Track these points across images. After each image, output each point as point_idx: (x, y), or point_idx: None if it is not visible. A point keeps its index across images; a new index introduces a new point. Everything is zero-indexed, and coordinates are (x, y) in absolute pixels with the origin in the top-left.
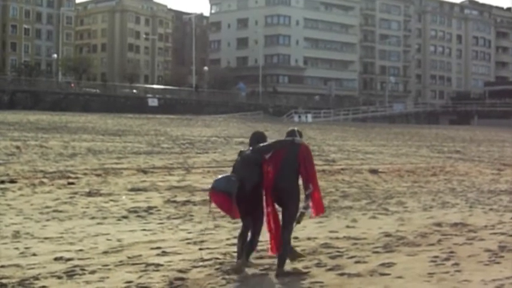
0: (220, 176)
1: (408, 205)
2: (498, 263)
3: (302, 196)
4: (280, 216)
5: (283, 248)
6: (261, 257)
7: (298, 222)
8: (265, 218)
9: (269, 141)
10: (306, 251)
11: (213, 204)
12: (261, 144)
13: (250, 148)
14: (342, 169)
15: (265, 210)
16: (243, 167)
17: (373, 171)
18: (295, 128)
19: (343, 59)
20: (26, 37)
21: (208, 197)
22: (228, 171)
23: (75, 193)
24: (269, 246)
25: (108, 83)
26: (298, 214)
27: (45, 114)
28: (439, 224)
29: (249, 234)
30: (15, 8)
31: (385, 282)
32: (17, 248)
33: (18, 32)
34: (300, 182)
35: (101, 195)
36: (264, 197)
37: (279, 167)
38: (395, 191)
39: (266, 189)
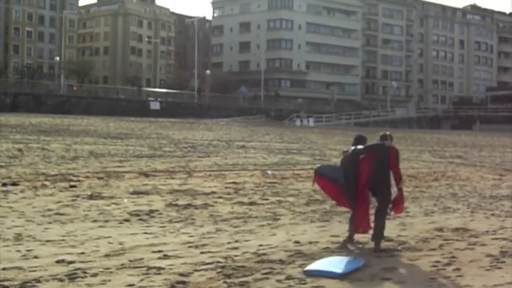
0: (323, 164)
1: (410, 210)
2: (499, 268)
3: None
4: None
5: (379, 230)
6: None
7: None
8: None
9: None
10: (307, 256)
11: (316, 185)
12: (359, 147)
13: (352, 148)
14: None
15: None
16: (347, 163)
17: None
18: (387, 133)
19: (346, 64)
20: (28, 40)
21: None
22: (228, 175)
23: (77, 196)
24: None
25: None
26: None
27: (47, 117)
28: (440, 229)
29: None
30: (18, 10)
31: (386, 286)
32: (18, 251)
33: (21, 34)
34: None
35: (102, 198)
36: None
37: (372, 166)
38: None
39: (361, 185)
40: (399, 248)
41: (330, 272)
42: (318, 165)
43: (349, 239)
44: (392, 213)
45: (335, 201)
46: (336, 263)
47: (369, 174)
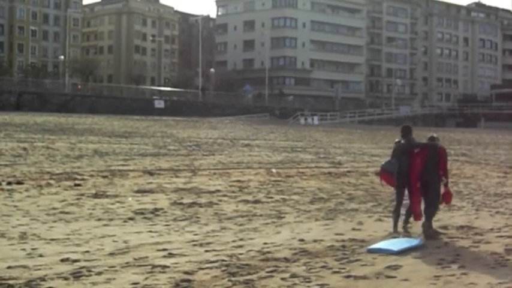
0: (384, 162)
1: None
2: (504, 266)
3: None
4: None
5: (429, 219)
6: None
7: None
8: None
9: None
10: (312, 254)
11: (383, 182)
12: (414, 141)
13: (403, 140)
14: (348, 171)
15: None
16: (401, 152)
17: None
18: (435, 135)
19: (350, 62)
20: (33, 39)
21: (379, 175)
22: (232, 173)
23: (82, 195)
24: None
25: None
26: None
27: (52, 116)
28: (445, 227)
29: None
30: (22, 9)
31: (391, 284)
32: (23, 249)
33: (25, 33)
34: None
35: (107, 196)
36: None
37: (425, 161)
38: None
39: (414, 175)
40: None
41: (388, 249)
42: (382, 163)
43: (394, 224)
44: (443, 203)
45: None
46: (395, 243)
47: (421, 167)
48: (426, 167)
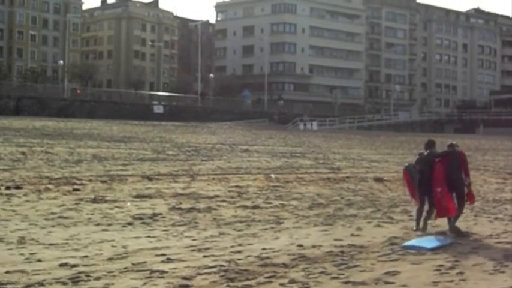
0: (409, 163)
1: (413, 214)
2: (503, 272)
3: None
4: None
5: (456, 218)
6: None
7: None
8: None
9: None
10: (310, 259)
11: (404, 180)
12: (434, 151)
13: (426, 151)
14: (347, 177)
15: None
16: (424, 163)
17: (378, 180)
18: (454, 142)
19: (349, 67)
20: (32, 43)
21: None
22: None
23: (81, 199)
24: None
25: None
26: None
27: (51, 121)
28: (444, 233)
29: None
30: (22, 14)
31: None
32: (22, 254)
33: (25, 38)
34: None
35: (106, 201)
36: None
37: (448, 166)
38: (400, 199)
39: (438, 179)
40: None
41: (421, 247)
42: (407, 164)
43: (424, 225)
44: (468, 203)
45: (411, 194)
46: (428, 241)
47: (445, 173)
48: (450, 172)
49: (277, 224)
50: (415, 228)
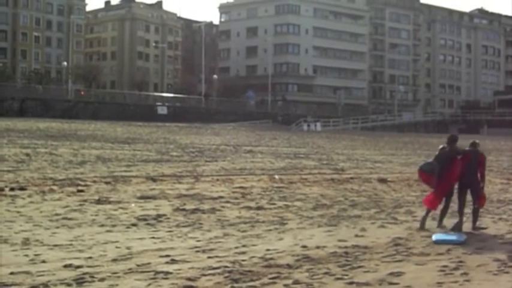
0: (423, 162)
1: (417, 214)
2: (507, 272)
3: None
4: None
5: (475, 216)
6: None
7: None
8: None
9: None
10: (314, 260)
11: (420, 180)
12: (458, 148)
13: (446, 146)
14: (351, 178)
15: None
16: (444, 158)
17: (382, 180)
18: (476, 141)
19: (353, 68)
20: (36, 45)
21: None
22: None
23: (85, 201)
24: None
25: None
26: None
27: (55, 122)
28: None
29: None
30: (26, 16)
31: None
32: (26, 255)
33: (29, 39)
34: None
35: (110, 202)
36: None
37: (467, 165)
38: (404, 200)
39: (456, 176)
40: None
41: (451, 240)
42: (421, 164)
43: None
44: (476, 205)
45: (433, 188)
46: (455, 235)
47: (462, 172)
48: (467, 171)
49: (281, 225)
50: (437, 226)
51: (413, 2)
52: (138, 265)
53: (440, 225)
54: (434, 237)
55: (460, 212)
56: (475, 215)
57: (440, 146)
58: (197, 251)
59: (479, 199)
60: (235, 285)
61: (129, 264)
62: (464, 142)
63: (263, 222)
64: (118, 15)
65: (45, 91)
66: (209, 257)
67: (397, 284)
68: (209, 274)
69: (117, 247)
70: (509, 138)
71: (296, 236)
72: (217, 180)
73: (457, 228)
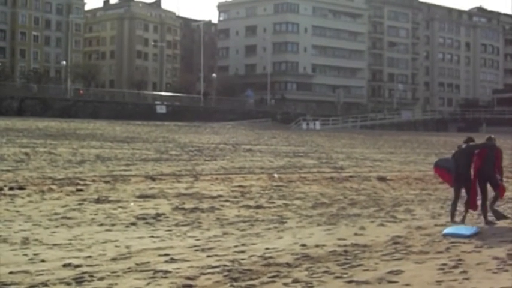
0: (440, 158)
1: (416, 213)
2: (506, 271)
3: None
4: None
5: (493, 204)
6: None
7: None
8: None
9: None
10: (314, 259)
11: (436, 175)
12: (473, 143)
13: (464, 144)
14: (350, 176)
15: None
16: (460, 156)
17: (382, 179)
18: (492, 136)
19: (352, 67)
20: (35, 44)
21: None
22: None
23: (84, 200)
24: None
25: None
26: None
27: (54, 121)
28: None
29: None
30: (24, 15)
31: None
32: (25, 255)
33: (27, 39)
34: None
35: (109, 202)
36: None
37: (483, 160)
38: (403, 198)
39: (474, 172)
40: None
41: (460, 234)
42: (436, 160)
43: (452, 214)
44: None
45: (449, 184)
46: (464, 229)
47: (481, 166)
48: (484, 164)
49: (281, 224)
50: (450, 220)
51: (412, 0)
52: (137, 264)
53: (453, 219)
54: (444, 230)
55: (483, 205)
56: (493, 202)
57: (458, 144)
58: (196, 250)
59: (499, 190)
60: (235, 284)
61: (128, 263)
62: (462, 140)
63: (262, 221)
64: (117, 14)
65: (44, 90)
66: (208, 256)
67: (397, 283)
68: (208, 273)
69: (116, 246)
70: (509, 136)
71: (295, 235)
72: (217, 179)
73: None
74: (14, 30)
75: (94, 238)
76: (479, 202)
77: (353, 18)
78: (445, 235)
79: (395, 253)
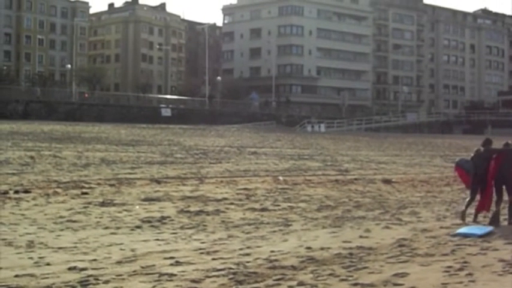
0: (461, 158)
1: (422, 215)
2: None
3: None
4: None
5: (510, 212)
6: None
7: None
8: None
9: (494, 145)
10: (319, 261)
11: (456, 174)
12: (492, 148)
13: (482, 148)
14: (355, 179)
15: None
16: (479, 159)
17: (387, 181)
18: (510, 141)
19: (356, 69)
20: (40, 47)
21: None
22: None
23: (89, 203)
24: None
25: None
26: None
27: (59, 125)
28: (454, 235)
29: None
30: (30, 18)
31: None
32: (31, 258)
33: (33, 42)
34: None
35: (114, 205)
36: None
37: (500, 164)
38: (408, 201)
39: (491, 175)
40: None
41: (472, 233)
42: (457, 159)
43: (463, 214)
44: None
45: (465, 185)
46: (477, 229)
47: (498, 170)
48: (500, 169)
49: (286, 227)
50: (461, 220)
51: (417, 2)
52: (142, 267)
53: (463, 217)
54: (458, 230)
55: (497, 207)
56: (511, 210)
57: (475, 149)
58: (201, 253)
59: None
60: (240, 286)
61: (133, 266)
62: (469, 142)
63: (267, 223)
64: (121, 18)
65: (49, 94)
66: (213, 259)
67: (402, 285)
68: (213, 276)
69: (121, 249)
70: None
71: (300, 238)
72: (222, 181)
73: (496, 220)
74: (19, 34)
75: (99, 241)
76: (491, 204)
77: (358, 21)
78: (457, 235)
79: (401, 256)
